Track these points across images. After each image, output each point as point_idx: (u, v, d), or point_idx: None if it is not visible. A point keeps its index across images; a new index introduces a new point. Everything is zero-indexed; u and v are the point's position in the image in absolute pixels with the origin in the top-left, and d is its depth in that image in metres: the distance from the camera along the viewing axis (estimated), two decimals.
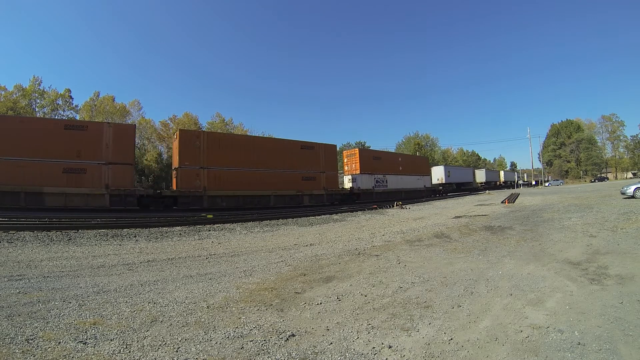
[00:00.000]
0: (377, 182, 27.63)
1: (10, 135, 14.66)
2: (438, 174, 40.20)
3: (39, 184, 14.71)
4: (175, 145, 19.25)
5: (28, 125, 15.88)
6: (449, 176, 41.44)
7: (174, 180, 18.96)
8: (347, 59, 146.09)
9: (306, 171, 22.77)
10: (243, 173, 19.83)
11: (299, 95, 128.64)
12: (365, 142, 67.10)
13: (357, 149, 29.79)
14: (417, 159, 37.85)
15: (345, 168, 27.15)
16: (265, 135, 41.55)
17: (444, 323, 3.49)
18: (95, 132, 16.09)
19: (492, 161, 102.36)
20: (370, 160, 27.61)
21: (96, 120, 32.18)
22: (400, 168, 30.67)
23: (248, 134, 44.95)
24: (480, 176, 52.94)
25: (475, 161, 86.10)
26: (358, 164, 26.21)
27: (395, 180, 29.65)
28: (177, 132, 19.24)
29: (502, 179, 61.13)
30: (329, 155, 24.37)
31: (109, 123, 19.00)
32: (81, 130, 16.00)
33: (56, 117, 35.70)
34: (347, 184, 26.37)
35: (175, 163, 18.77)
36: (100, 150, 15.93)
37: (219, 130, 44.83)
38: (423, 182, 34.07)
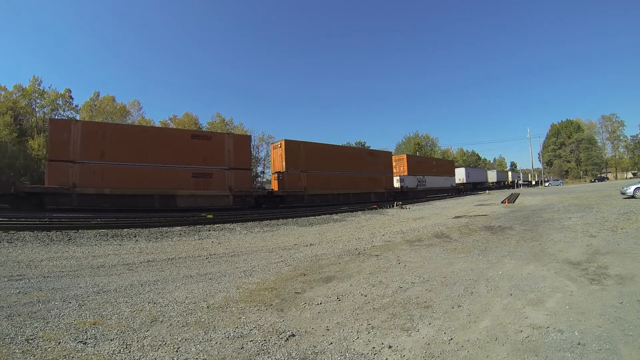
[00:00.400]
0: (419, 181, 33.56)
1: (145, 143, 16.79)
2: (460, 175, 45.45)
3: (172, 187, 17.09)
4: (279, 152, 22.72)
5: (161, 134, 19.23)
6: (468, 176, 47.22)
7: (276, 182, 22.48)
8: (347, 59, 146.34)
9: (371, 173, 27.74)
10: (332, 175, 24.29)
11: (299, 95, 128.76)
12: (365, 142, 67.14)
13: (405, 155, 35.66)
14: (446, 162, 44.12)
15: (394, 170, 31.75)
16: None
17: (444, 323, 3.49)
18: (218, 142, 18.98)
19: (492, 161, 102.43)
20: (414, 163, 33.79)
21: (218, 132, 35.72)
22: (434, 170, 36.63)
23: (248, 134, 45.17)
24: (492, 176, 59.60)
25: (475, 161, 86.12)
26: (405, 167, 32.23)
27: (431, 180, 35.36)
28: (283, 142, 22.46)
29: (509, 179, 66.36)
30: (386, 160, 30.29)
31: (229, 134, 23.22)
32: (206, 139, 18.79)
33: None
34: (396, 183, 31.40)
35: (279, 168, 22.38)
36: (223, 157, 18.71)
37: (219, 130, 45.04)
38: (450, 182, 39.91)
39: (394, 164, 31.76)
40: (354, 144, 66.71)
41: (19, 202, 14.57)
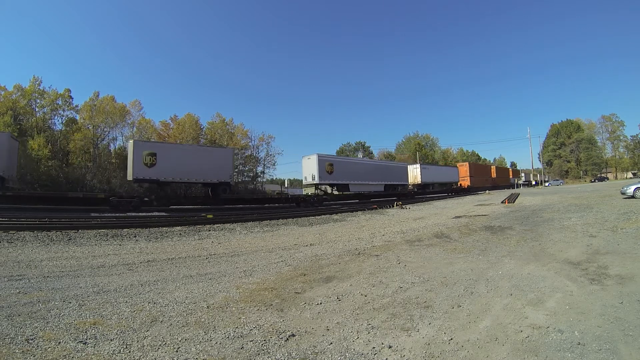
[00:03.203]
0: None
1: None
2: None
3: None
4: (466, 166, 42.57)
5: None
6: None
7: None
8: (347, 59, 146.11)
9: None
10: None
11: (299, 95, 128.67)
12: (365, 142, 67.00)
13: (467, 162, 46.31)
14: (487, 167, 56.27)
15: (461, 174, 42.97)
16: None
17: (444, 323, 3.49)
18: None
19: (492, 161, 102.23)
20: (476, 168, 46.76)
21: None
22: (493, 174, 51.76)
23: (248, 134, 45.52)
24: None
25: (475, 161, 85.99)
26: (467, 171, 43.11)
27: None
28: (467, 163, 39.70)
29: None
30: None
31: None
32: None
33: (55, 116, 35.84)
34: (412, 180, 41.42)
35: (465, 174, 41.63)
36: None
37: (219, 131, 45.10)
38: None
39: (459, 168, 43.77)
40: (354, 144, 66.89)
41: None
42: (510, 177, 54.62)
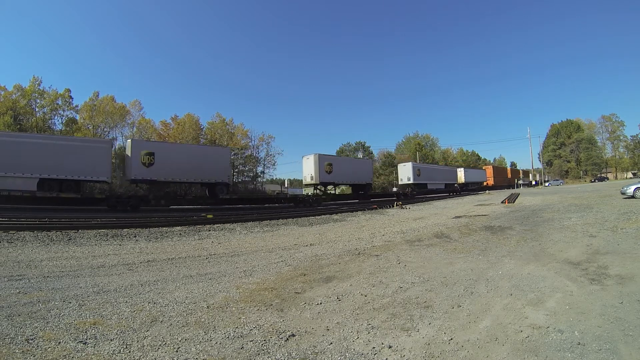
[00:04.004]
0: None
1: None
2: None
3: None
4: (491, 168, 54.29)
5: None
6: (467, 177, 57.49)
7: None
8: (347, 59, 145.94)
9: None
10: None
11: (299, 95, 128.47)
12: (365, 142, 66.88)
13: (491, 166, 59.11)
14: (504, 169, 65.64)
15: (487, 176, 52.41)
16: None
17: (444, 323, 3.49)
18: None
19: (492, 161, 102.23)
20: (496, 170, 56.72)
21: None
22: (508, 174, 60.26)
23: (248, 134, 45.52)
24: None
25: (475, 161, 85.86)
26: (492, 173, 53.74)
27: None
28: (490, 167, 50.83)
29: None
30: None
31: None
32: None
33: (56, 117, 35.87)
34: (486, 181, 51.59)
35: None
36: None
37: (219, 131, 45.12)
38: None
39: (485, 170, 54.37)
40: (354, 144, 66.90)
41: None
42: (521, 177, 62.88)
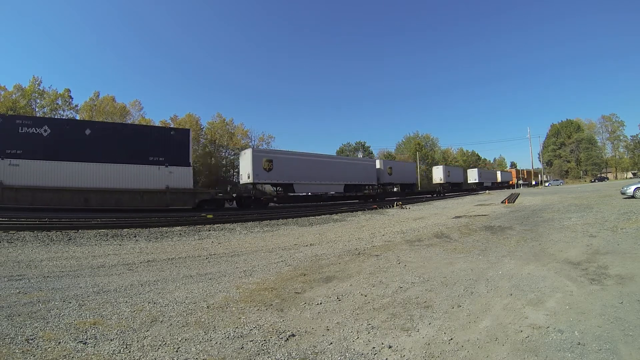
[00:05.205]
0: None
1: None
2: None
3: None
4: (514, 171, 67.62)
5: None
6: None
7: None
8: (347, 59, 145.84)
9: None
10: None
11: (299, 95, 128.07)
12: (365, 142, 67.09)
13: (514, 169, 72.83)
14: (522, 171, 71.44)
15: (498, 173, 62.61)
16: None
17: (444, 323, 3.49)
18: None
19: (492, 161, 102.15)
20: (516, 172, 67.36)
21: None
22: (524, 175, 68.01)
23: (248, 134, 45.60)
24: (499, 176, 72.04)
25: (475, 161, 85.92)
26: (515, 174, 65.21)
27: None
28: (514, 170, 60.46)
29: (499, 179, 68.35)
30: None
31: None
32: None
33: (56, 117, 35.87)
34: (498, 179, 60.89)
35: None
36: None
37: (218, 131, 45.13)
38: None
39: (497, 172, 63.11)
40: (354, 144, 67.02)
41: None
42: (532, 177, 68.50)
